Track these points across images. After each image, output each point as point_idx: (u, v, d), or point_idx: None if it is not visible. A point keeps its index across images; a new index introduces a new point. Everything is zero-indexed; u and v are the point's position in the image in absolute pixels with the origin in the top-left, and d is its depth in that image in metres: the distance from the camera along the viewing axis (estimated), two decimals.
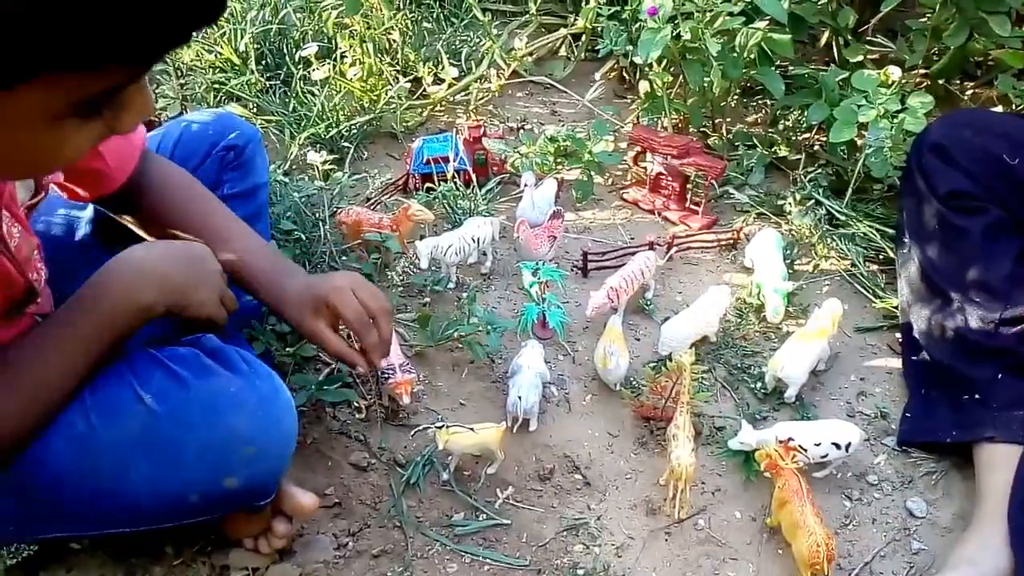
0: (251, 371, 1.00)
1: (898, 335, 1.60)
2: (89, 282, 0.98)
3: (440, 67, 2.22)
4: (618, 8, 2.16)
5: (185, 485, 0.97)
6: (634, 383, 1.48)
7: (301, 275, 1.19)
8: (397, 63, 2.28)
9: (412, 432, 1.34)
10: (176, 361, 0.98)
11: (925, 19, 2.01)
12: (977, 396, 1.37)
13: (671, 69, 1.99)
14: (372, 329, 1.15)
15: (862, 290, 1.72)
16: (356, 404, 1.42)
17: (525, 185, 1.77)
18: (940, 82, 2.11)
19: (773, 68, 1.95)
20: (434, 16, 2.54)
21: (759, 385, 1.50)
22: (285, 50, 2.25)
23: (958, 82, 2.22)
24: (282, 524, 1.17)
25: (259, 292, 1.17)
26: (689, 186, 1.90)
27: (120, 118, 0.72)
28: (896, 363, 1.57)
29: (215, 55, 2.16)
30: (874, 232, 1.79)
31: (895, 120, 1.72)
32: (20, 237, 0.94)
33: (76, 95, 0.66)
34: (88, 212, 1.25)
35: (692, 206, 1.90)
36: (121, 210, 1.19)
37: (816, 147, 2.07)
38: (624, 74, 2.38)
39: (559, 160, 1.98)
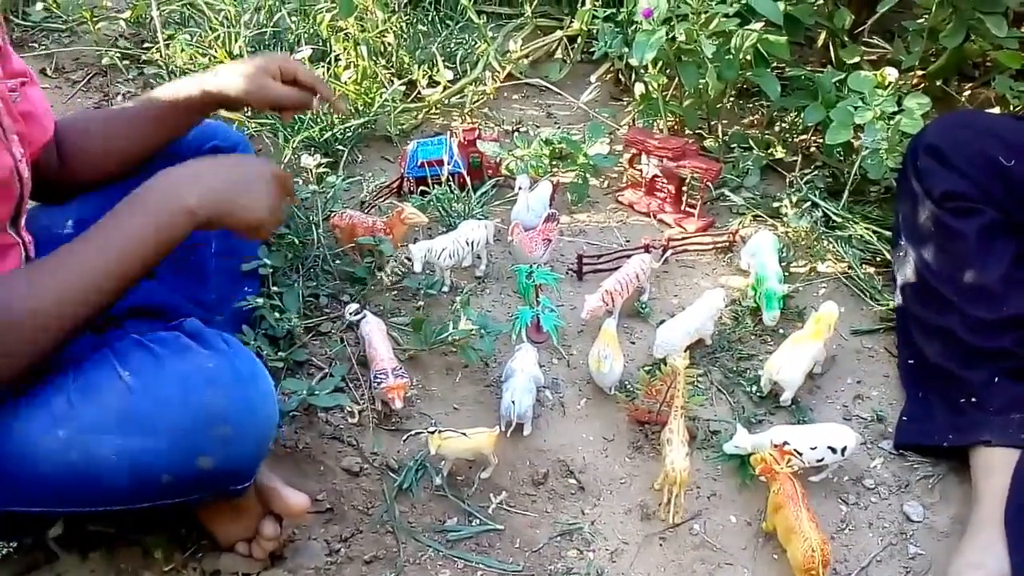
0: (230, 350, 0.99)
1: (895, 338, 1.59)
2: (139, 187, 1.00)
3: (435, 70, 2.21)
4: (613, 10, 2.16)
5: (158, 462, 0.96)
6: (629, 387, 1.47)
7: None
8: (391, 66, 2.27)
9: (405, 437, 1.34)
10: (156, 342, 0.98)
11: (922, 20, 2.00)
12: (974, 399, 1.36)
13: (667, 71, 1.98)
14: (323, 82, 1.36)
15: (859, 292, 1.71)
16: (348, 408, 1.41)
17: (520, 188, 1.76)
18: (937, 83, 2.10)
19: (769, 70, 1.94)
20: (429, 19, 2.53)
21: (755, 388, 1.49)
22: (280, 52, 2.24)
23: (955, 83, 2.21)
24: (269, 526, 1.16)
25: (204, 90, 1.26)
26: (685, 188, 1.89)
27: None
28: (893, 366, 1.56)
29: (209, 58, 2.15)
30: (871, 234, 1.78)
31: (891, 122, 1.71)
32: (13, 123, 1.00)
33: None
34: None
35: (688, 208, 1.89)
36: (55, 188, 1.23)
37: (812, 149, 2.07)
38: (620, 76, 2.37)
39: (554, 163, 1.97)
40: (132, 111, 1.30)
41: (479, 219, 1.73)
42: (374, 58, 2.20)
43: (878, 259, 1.76)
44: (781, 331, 1.59)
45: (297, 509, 1.15)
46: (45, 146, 1.17)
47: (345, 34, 2.17)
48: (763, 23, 1.87)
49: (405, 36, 2.36)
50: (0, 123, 1.00)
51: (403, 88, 2.18)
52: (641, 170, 1.94)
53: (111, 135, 1.27)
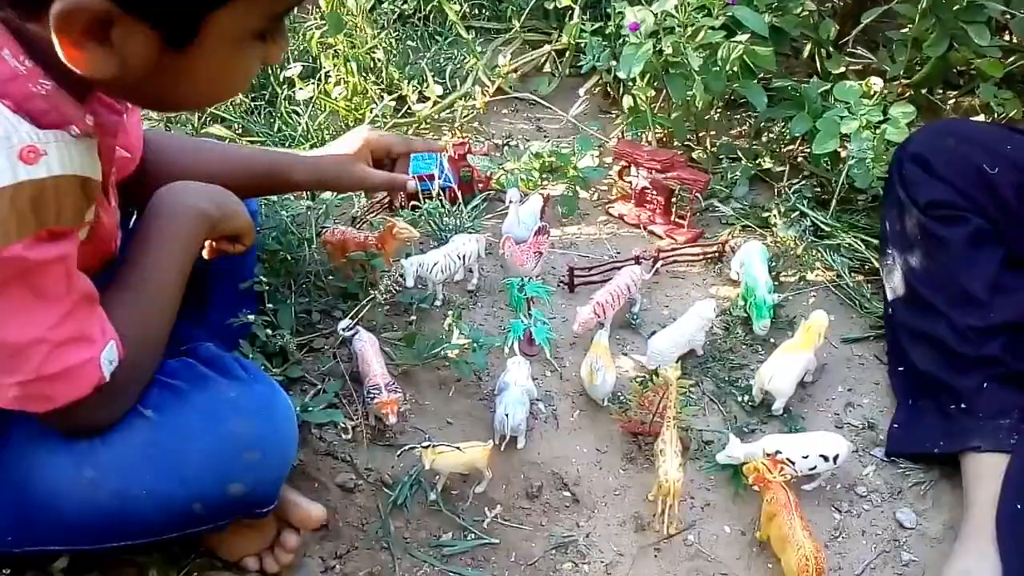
0: (249, 377, 1.02)
1: (885, 345, 1.60)
2: (147, 215, 1.06)
3: (425, 85, 2.22)
4: (601, 24, 2.18)
5: (190, 494, 0.97)
6: (621, 398, 1.47)
7: (310, 154, 1.36)
8: (382, 82, 2.28)
9: (399, 452, 1.34)
10: (171, 375, 1.00)
11: (906, 30, 2.02)
12: (963, 406, 1.37)
13: (654, 84, 1.99)
14: (419, 140, 1.43)
15: (848, 301, 1.72)
16: (342, 424, 1.40)
17: (510, 201, 1.77)
18: (922, 92, 2.12)
19: (756, 81, 1.96)
20: (418, 34, 2.55)
21: (747, 398, 1.50)
22: (269, 70, 2.25)
23: (940, 92, 2.23)
24: (292, 536, 1.18)
25: (293, 177, 1.30)
26: (674, 200, 1.91)
27: (271, 48, 0.83)
28: (883, 374, 1.57)
29: None
30: (859, 243, 1.79)
31: (877, 131, 1.73)
32: (113, 204, 1.01)
33: (269, 12, 0.78)
34: None
35: (677, 220, 1.91)
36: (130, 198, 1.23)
37: (800, 159, 2.08)
38: (608, 89, 2.38)
39: (544, 176, 1.98)
40: (225, 164, 1.28)
41: (470, 233, 1.74)
42: (364, 74, 2.22)
43: (867, 267, 1.77)
44: (772, 340, 1.60)
45: (316, 519, 1.17)
46: (130, 175, 1.16)
47: (335, 51, 2.18)
48: (749, 35, 1.89)
49: (395, 52, 2.38)
50: (108, 189, 1.00)
51: (393, 103, 2.19)
52: (631, 182, 1.96)
53: (199, 160, 1.26)
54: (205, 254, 1.22)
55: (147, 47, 0.74)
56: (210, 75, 0.80)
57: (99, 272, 0.98)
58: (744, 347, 1.61)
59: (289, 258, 1.63)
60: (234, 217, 1.14)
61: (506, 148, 2.17)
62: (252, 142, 2.04)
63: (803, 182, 1.96)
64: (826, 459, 1.31)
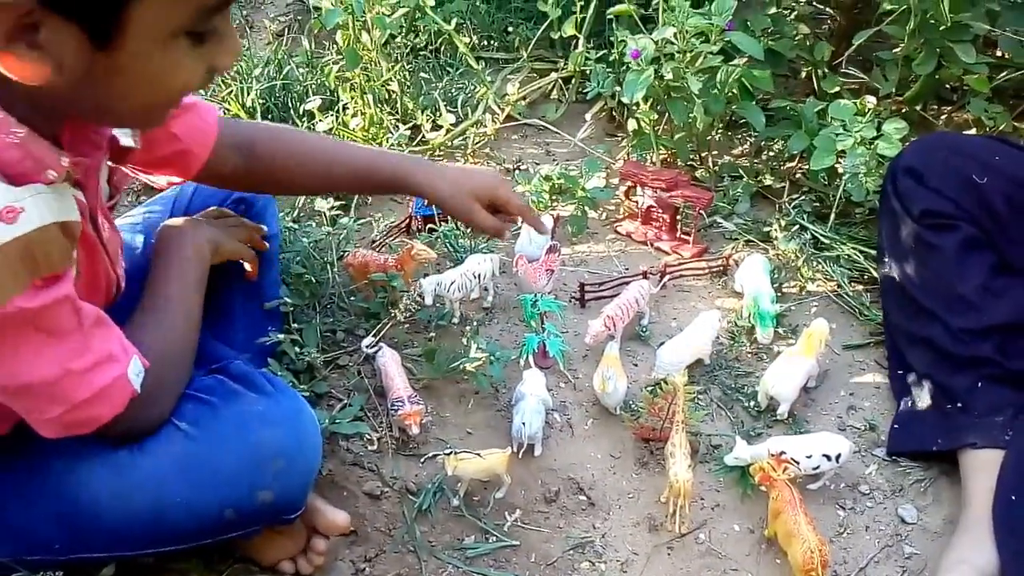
0: (276, 391, 1.09)
1: (884, 351, 1.66)
2: (156, 251, 1.19)
3: (438, 114, 2.31)
4: (604, 52, 2.26)
5: (221, 502, 1.04)
6: (633, 406, 1.54)
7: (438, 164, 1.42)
8: (396, 112, 2.36)
9: (422, 460, 1.41)
10: (204, 391, 1.07)
11: (896, 50, 2.10)
12: (959, 404, 1.43)
13: (657, 107, 2.07)
14: (531, 211, 1.46)
15: (848, 309, 1.78)
16: (368, 436, 1.48)
17: (522, 222, 1.84)
18: (915, 108, 2.19)
19: (754, 102, 2.03)
20: (430, 66, 2.64)
21: (752, 403, 1.56)
22: (290, 104, 2.34)
23: (934, 107, 2.30)
24: (321, 541, 1.25)
25: (407, 181, 1.34)
26: (679, 217, 1.98)
27: (218, 55, 0.81)
28: (883, 377, 1.62)
29: (223, 111, 2.26)
30: (857, 253, 1.86)
31: (871, 146, 1.79)
32: (109, 233, 1.05)
33: (194, 6, 0.75)
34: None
35: (683, 236, 1.97)
36: (223, 181, 1.33)
37: (799, 175, 2.15)
38: (613, 114, 2.46)
39: (554, 197, 2.06)
40: (337, 156, 1.35)
41: (485, 253, 1.81)
42: (380, 105, 2.30)
43: (865, 277, 1.84)
44: (775, 348, 1.66)
45: (340, 525, 1.24)
46: (203, 168, 1.23)
47: (352, 84, 2.27)
48: (746, 59, 1.96)
49: (408, 84, 2.46)
50: (97, 223, 1.00)
51: (408, 132, 2.27)
52: (637, 201, 2.03)
53: (306, 164, 1.32)
54: (249, 267, 1.37)
55: (76, 46, 0.73)
56: (143, 75, 0.78)
57: (111, 305, 1.05)
58: (749, 355, 1.67)
59: (313, 280, 1.71)
60: (228, 243, 1.29)
61: (517, 172, 2.25)
62: None
63: (802, 197, 2.03)
64: (829, 458, 1.36)
